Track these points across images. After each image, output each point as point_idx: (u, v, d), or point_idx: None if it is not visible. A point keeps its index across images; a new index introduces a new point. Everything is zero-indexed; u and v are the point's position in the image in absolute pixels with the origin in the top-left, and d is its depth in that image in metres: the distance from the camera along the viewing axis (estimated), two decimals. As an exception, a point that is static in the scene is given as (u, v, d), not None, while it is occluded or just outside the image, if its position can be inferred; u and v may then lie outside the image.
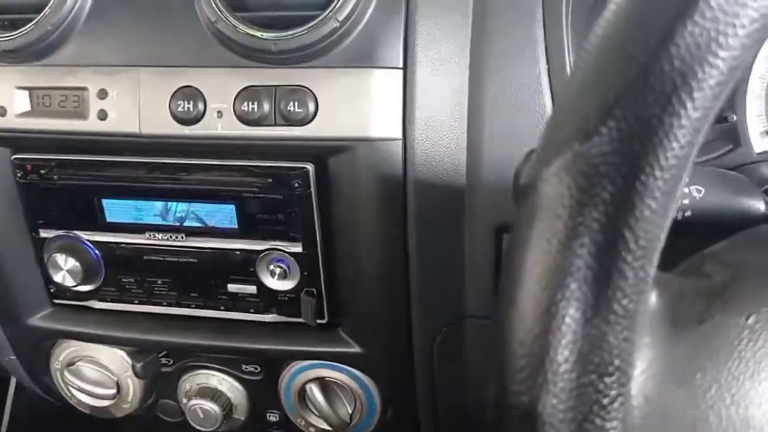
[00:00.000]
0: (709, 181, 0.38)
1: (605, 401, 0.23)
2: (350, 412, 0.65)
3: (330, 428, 0.66)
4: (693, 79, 0.22)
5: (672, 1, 0.22)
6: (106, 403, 0.70)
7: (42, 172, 0.58)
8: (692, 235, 0.36)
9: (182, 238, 0.58)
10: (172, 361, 0.68)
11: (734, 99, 0.57)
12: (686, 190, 0.38)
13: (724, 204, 0.38)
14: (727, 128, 0.58)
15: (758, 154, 0.57)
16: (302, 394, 0.65)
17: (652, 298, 0.26)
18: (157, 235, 0.59)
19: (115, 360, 0.67)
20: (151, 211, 0.58)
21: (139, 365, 0.65)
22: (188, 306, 0.61)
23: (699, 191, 0.38)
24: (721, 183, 0.39)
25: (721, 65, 0.22)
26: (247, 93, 0.52)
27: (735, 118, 0.57)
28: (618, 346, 0.23)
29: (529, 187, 0.25)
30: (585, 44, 0.24)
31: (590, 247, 0.23)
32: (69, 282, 0.61)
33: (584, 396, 0.23)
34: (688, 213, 0.38)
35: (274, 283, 0.58)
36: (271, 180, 0.54)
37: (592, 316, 0.23)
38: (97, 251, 0.60)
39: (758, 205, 0.39)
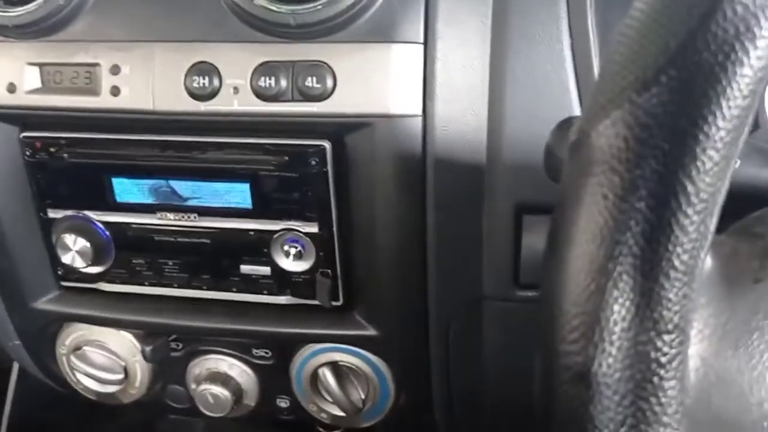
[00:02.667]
0: (744, 153, 0.38)
1: (664, 360, 0.22)
2: (363, 397, 0.64)
3: (342, 414, 0.65)
4: (756, 25, 0.21)
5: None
6: (113, 388, 0.69)
7: (51, 150, 0.57)
8: (728, 206, 0.35)
9: (195, 218, 0.57)
10: (181, 346, 0.67)
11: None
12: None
13: (760, 176, 0.38)
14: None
15: (778, 135, 0.57)
16: (314, 378, 0.64)
17: (707, 258, 0.25)
18: (169, 215, 0.58)
19: (124, 344, 0.66)
20: (163, 190, 0.57)
21: (148, 349, 0.64)
22: (200, 288, 0.60)
23: (735, 162, 0.37)
24: (756, 155, 0.38)
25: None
26: (264, 68, 0.51)
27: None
28: (678, 302, 0.22)
29: (581, 142, 0.24)
30: (641, -7, 0.23)
31: (649, 201, 0.22)
32: (78, 263, 0.60)
33: (642, 354, 0.22)
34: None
35: (288, 264, 0.57)
36: (287, 158, 0.54)
37: (650, 272, 0.22)
38: (107, 232, 0.59)
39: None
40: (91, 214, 0.59)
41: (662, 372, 0.22)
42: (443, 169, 0.52)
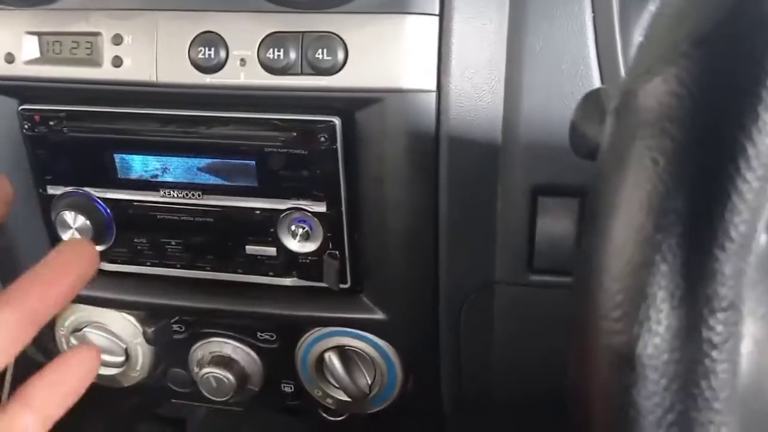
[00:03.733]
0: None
1: (717, 340, 0.20)
2: (370, 382, 0.62)
3: (348, 399, 0.63)
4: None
5: None
6: (113, 371, 0.67)
7: (51, 123, 0.55)
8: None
9: (199, 195, 0.55)
10: (184, 328, 0.65)
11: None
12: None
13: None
14: None
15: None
16: (320, 363, 0.62)
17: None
18: (172, 192, 0.56)
19: (125, 326, 0.64)
20: (166, 166, 0.55)
21: (150, 331, 0.62)
22: (203, 268, 0.58)
23: None
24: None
25: None
26: (273, 39, 0.49)
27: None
28: (732, 277, 0.20)
29: (626, 103, 0.22)
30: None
31: (703, 165, 0.20)
32: (78, 241, 0.58)
33: (693, 335, 0.20)
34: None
35: (295, 245, 0.55)
36: (295, 134, 0.51)
37: (703, 244, 0.20)
38: (108, 209, 0.57)
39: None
40: (91, 190, 0.57)
41: (714, 353, 0.20)
42: (457, 148, 0.50)
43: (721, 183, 0.20)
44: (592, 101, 0.34)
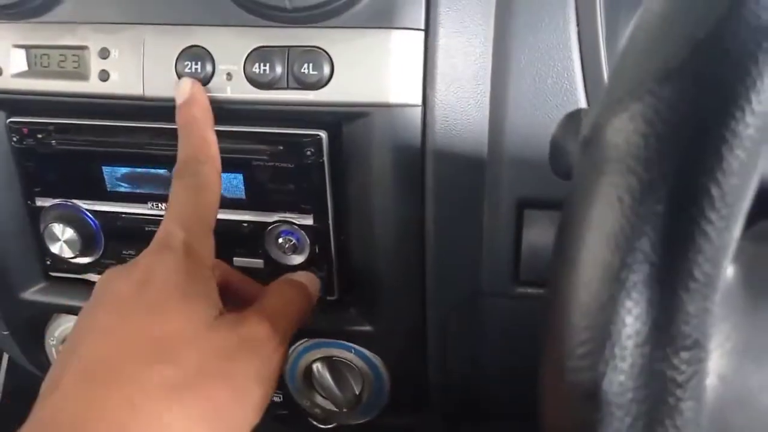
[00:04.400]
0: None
1: (681, 379, 0.20)
2: (358, 392, 0.62)
3: (337, 409, 0.63)
4: (793, 12, 0.19)
5: None
6: (103, 380, 0.67)
7: (39, 136, 0.55)
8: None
9: (186, 208, 0.55)
10: (173, 338, 0.65)
11: None
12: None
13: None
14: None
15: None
16: (308, 374, 0.62)
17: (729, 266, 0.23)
18: (160, 205, 0.56)
19: (114, 336, 0.64)
20: (154, 179, 0.55)
21: (138, 342, 0.62)
22: (191, 280, 0.58)
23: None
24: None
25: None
26: (259, 54, 0.49)
27: None
28: (697, 316, 0.20)
29: (594, 138, 0.22)
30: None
31: (668, 205, 0.20)
32: (66, 253, 0.58)
33: (657, 373, 0.20)
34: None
35: (282, 257, 0.56)
36: (282, 147, 0.52)
37: (668, 283, 0.20)
38: (96, 221, 0.57)
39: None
40: (80, 202, 0.57)
41: (679, 392, 0.20)
42: (443, 161, 0.51)
43: (686, 224, 0.20)
44: (572, 122, 0.34)
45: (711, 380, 0.22)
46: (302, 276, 0.49)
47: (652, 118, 0.20)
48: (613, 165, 0.21)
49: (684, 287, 0.20)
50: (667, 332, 0.20)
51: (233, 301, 0.45)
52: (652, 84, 0.20)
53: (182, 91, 0.48)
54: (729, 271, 0.23)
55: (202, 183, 0.45)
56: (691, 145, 0.20)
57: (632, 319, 0.20)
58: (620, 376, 0.21)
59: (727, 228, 0.20)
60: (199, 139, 0.47)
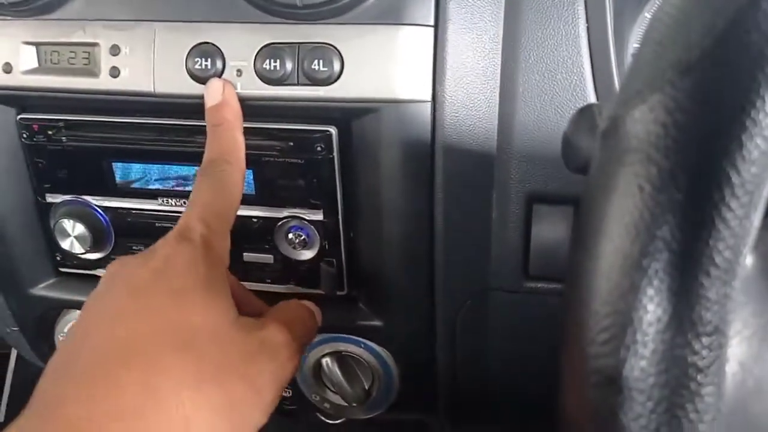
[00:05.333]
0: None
1: (702, 364, 0.21)
2: (367, 387, 0.63)
3: (346, 404, 0.63)
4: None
5: None
6: (112, 376, 0.67)
7: (49, 133, 0.55)
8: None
9: (196, 204, 0.56)
10: (182, 334, 0.65)
11: None
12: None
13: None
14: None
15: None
16: (318, 368, 0.63)
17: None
18: (169, 200, 0.56)
19: (123, 332, 0.65)
20: (164, 175, 0.55)
21: (148, 337, 0.62)
22: (201, 276, 0.59)
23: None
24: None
25: None
26: (269, 50, 0.49)
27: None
28: (718, 302, 0.21)
29: (614, 129, 0.22)
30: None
31: (689, 192, 0.20)
32: (77, 249, 0.58)
33: (678, 358, 0.21)
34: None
35: (292, 253, 0.56)
36: (291, 143, 0.52)
37: (689, 270, 0.21)
38: (106, 217, 0.58)
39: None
40: (90, 198, 0.58)
41: (700, 377, 0.21)
42: (452, 157, 0.51)
43: (706, 211, 0.20)
44: (584, 117, 0.35)
45: (731, 366, 0.22)
46: (309, 303, 0.50)
47: (673, 108, 0.20)
48: (634, 155, 0.21)
49: (705, 273, 0.20)
50: (688, 318, 0.21)
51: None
52: (672, 75, 0.21)
53: (214, 93, 0.49)
54: (748, 260, 0.23)
55: (227, 182, 0.46)
56: (711, 134, 0.20)
57: (654, 306, 0.21)
58: (642, 362, 0.21)
59: (747, 215, 0.20)
60: (230, 140, 0.48)
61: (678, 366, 0.21)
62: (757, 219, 0.21)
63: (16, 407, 0.84)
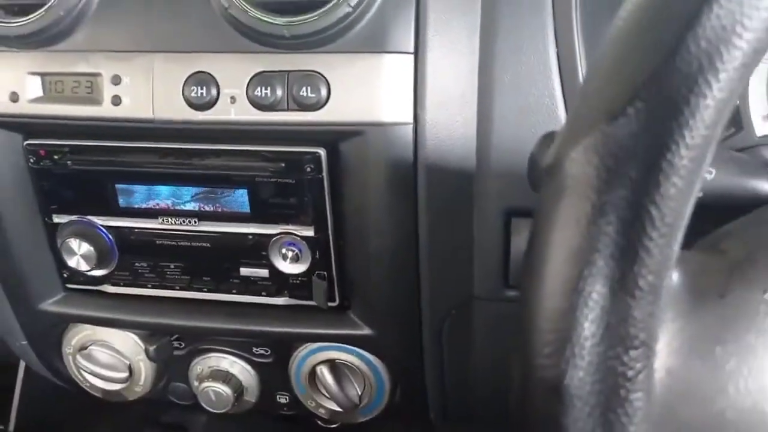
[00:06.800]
0: (719, 162, 0.39)
1: (630, 374, 0.24)
2: (360, 393, 0.66)
3: (340, 409, 0.67)
4: (718, 60, 0.22)
5: (698, -15, 0.22)
6: (118, 386, 0.70)
7: (55, 157, 0.59)
8: (704, 216, 0.37)
9: (195, 222, 0.59)
10: (184, 345, 0.68)
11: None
12: (698, 171, 0.39)
13: (733, 184, 0.39)
14: (730, 112, 0.58)
15: (760, 137, 0.58)
16: (312, 376, 0.66)
17: (674, 274, 0.27)
18: (170, 219, 0.59)
19: (128, 344, 0.68)
20: (164, 196, 0.58)
21: (151, 348, 0.66)
22: (201, 290, 0.62)
23: (710, 172, 0.39)
24: (731, 164, 0.40)
25: (746, 47, 0.22)
26: (260, 78, 0.53)
27: (737, 102, 0.58)
28: (643, 320, 0.24)
29: (556, 167, 0.25)
30: (611, 27, 0.25)
31: (617, 225, 0.24)
32: (83, 266, 0.61)
33: (610, 369, 0.24)
34: (700, 194, 0.39)
35: (286, 267, 0.59)
36: (283, 164, 0.55)
37: (618, 292, 0.24)
38: (110, 236, 0.61)
39: (766, 186, 0.40)
40: (94, 219, 0.61)
41: (629, 385, 0.24)
42: (434, 175, 0.54)
43: (631, 242, 0.23)
44: (547, 143, 0.38)
45: (660, 375, 0.25)
46: None
47: (601, 151, 0.24)
48: (571, 191, 0.24)
49: (631, 296, 0.23)
50: (618, 334, 0.24)
51: None
52: (601, 122, 0.24)
53: None
54: (678, 279, 0.27)
55: None
56: (634, 175, 0.23)
57: (589, 324, 0.24)
58: (579, 372, 0.24)
59: (668, 244, 0.24)
60: None
61: (611, 376, 0.24)
62: (677, 246, 0.24)
63: (24, 418, 0.87)
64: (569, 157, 0.25)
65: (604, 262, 0.24)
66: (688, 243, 0.32)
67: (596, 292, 0.24)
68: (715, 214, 0.36)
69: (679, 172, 0.23)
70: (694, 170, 0.23)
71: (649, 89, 0.23)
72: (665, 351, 0.26)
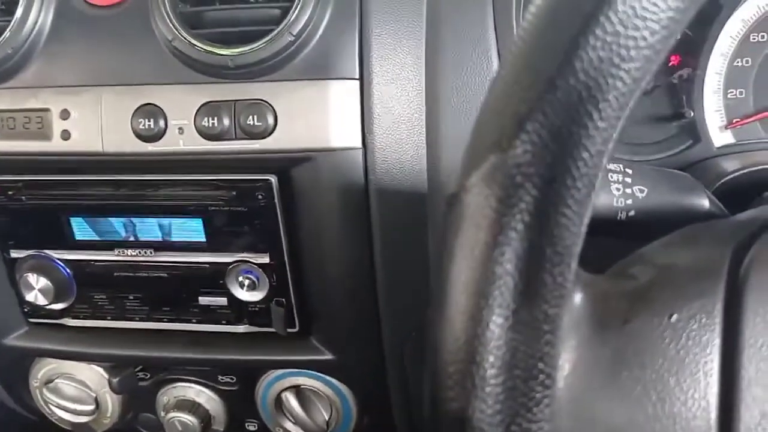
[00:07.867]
0: (651, 181, 0.39)
1: (531, 404, 0.24)
2: (327, 418, 0.66)
3: (308, 435, 0.66)
4: (598, 91, 0.23)
5: (574, 16, 0.22)
6: (85, 419, 0.70)
7: (9, 193, 0.59)
8: (637, 235, 0.37)
9: (151, 253, 0.59)
10: (149, 375, 0.68)
11: (692, 95, 0.58)
12: (629, 190, 0.39)
13: (667, 203, 0.39)
14: (685, 124, 0.58)
15: (718, 148, 0.58)
16: (279, 402, 0.66)
17: (577, 300, 0.26)
18: (126, 251, 0.59)
19: (93, 376, 0.68)
20: (119, 227, 0.58)
21: (115, 380, 0.65)
22: (161, 320, 0.62)
23: (642, 191, 0.39)
24: (663, 182, 0.40)
25: (625, 77, 0.23)
26: (207, 108, 0.53)
27: (693, 114, 0.58)
28: (541, 350, 0.24)
29: (454, 196, 0.26)
30: (501, 60, 0.25)
31: (510, 256, 0.24)
32: (41, 301, 0.61)
33: (510, 400, 0.24)
34: (632, 213, 0.39)
35: (243, 295, 0.59)
36: (235, 193, 0.55)
37: (514, 323, 0.24)
38: (68, 269, 0.61)
39: (702, 203, 0.40)
40: (51, 252, 0.61)
41: (529, 416, 0.24)
42: (386, 199, 0.54)
43: (524, 273, 0.23)
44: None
45: (565, 402, 0.25)
46: None
47: (492, 183, 0.24)
48: (467, 221, 0.24)
49: (527, 326, 0.23)
50: (516, 365, 0.24)
51: None
52: (492, 153, 0.24)
53: None
54: (580, 305, 0.27)
55: None
56: (524, 206, 0.23)
57: (487, 355, 0.24)
58: (481, 404, 0.24)
59: (561, 273, 0.23)
60: None
61: (510, 407, 0.24)
62: (571, 276, 0.24)
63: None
64: (464, 187, 0.25)
65: (499, 293, 0.24)
66: (610, 264, 0.32)
67: (493, 322, 0.24)
68: (648, 233, 0.36)
69: (568, 202, 0.23)
70: (583, 199, 0.23)
71: (534, 121, 0.23)
72: (569, 379, 0.25)
